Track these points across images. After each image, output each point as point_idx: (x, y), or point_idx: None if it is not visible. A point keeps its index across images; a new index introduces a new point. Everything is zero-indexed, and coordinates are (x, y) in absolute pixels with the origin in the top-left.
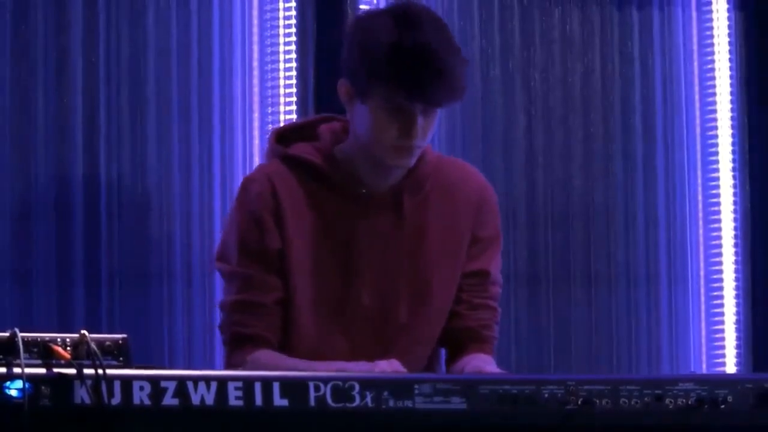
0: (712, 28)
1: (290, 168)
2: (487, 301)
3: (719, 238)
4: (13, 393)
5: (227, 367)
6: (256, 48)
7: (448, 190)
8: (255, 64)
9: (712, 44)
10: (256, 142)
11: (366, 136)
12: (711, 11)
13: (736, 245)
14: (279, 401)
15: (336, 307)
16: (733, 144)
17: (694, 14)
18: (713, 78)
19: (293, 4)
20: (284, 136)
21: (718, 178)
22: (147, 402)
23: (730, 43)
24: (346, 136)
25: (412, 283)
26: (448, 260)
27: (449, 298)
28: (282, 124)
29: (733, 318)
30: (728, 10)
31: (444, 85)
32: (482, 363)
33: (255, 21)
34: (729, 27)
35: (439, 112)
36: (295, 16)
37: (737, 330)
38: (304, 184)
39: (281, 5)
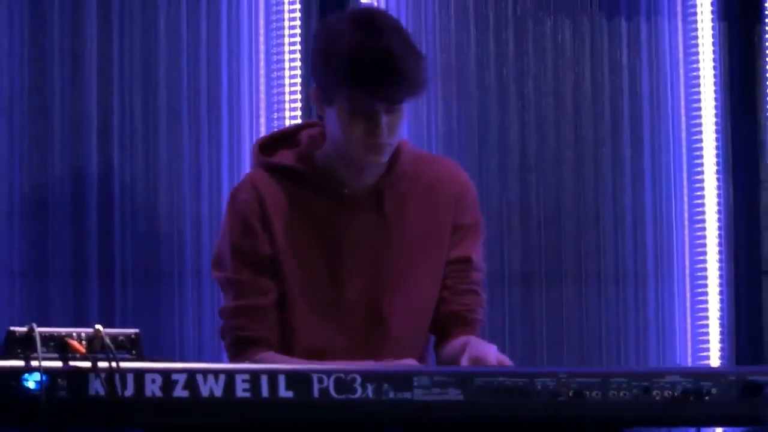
0: (697, 37)
1: (273, 175)
2: (471, 286)
3: (704, 238)
4: (31, 385)
5: None
6: (262, 56)
7: (428, 185)
8: (261, 71)
9: (697, 53)
10: None
11: (337, 137)
12: (696, 21)
13: (720, 245)
14: (284, 393)
15: (326, 304)
16: (717, 148)
17: (679, 24)
18: (698, 85)
19: (298, 14)
20: (267, 146)
21: (702, 181)
22: (158, 393)
23: (714, 51)
24: (325, 140)
25: (398, 277)
26: (431, 252)
27: (435, 289)
28: (264, 135)
29: (717, 314)
30: (712, 21)
31: (402, 85)
32: (476, 343)
33: (261, 30)
34: (713, 36)
35: (404, 108)
36: (299, 26)
37: (721, 325)
38: (288, 189)
39: (286, 15)
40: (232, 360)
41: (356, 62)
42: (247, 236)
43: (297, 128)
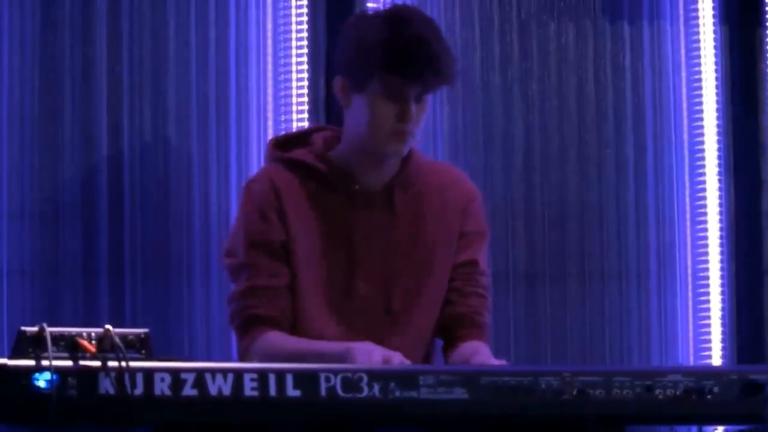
0: (698, 40)
1: (289, 169)
2: (478, 289)
3: (706, 237)
4: (42, 384)
5: (240, 349)
6: (270, 59)
7: (437, 190)
8: (269, 74)
9: (699, 56)
10: None
11: (364, 125)
12: (698, 25)
13: (721, 245)
14: (292, 392)
15: (335, 296)
16: (718, 149)
17: (681, 28)
18: (700, 87)
19: (305, 18)
20: (281, 144)
21: (704, 182)
22: (167, 392)
23: (715, 54)
24: (338, 143)
25: (406, 274)
26: (439, 252)
27: (442, 289)
28: (278, 134)
29: (719, 313)
30: (714, 24)
31: (436, 70)
32: (484, 357)
33: (269, 33)
34: (714, 39)
35: (430, 100)
36: (306, 29)
37: (723, 324)
38: (303, 183)
39: (294, 18)
40: (240, 340)
41: (393, 49)
42: (263, 224)
43: (309, 131)
